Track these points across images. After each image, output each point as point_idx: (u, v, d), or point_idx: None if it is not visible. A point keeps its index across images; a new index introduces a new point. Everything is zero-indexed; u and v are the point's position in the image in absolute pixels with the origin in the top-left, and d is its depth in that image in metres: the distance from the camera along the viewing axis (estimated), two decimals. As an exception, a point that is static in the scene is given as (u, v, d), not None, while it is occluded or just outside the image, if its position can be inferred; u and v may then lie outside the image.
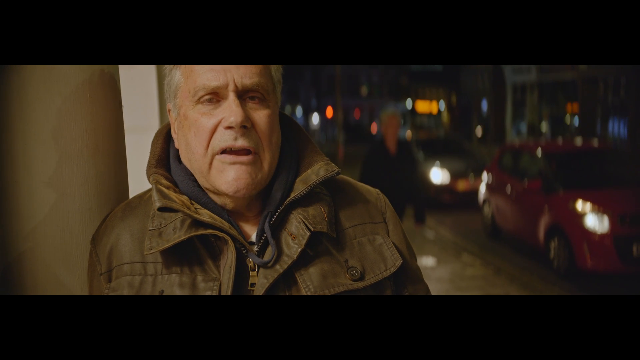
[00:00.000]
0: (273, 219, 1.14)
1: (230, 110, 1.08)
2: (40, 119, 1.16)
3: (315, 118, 54.05)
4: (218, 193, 1.14)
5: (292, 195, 1.15)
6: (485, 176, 10.28)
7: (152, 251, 1.09)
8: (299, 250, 1.11)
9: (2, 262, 1.17)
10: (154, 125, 2.50)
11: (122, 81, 1.37)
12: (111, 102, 1.28)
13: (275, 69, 1.18)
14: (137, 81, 2.37)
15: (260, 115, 1.12)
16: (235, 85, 1.09)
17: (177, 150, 1.21)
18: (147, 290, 1.09)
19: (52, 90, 1.16)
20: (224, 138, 1.09)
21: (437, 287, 7.06)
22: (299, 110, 61.41)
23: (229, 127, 1.08)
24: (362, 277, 1.15)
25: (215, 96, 1.10)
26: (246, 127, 1.09)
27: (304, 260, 1.12)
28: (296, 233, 1.13)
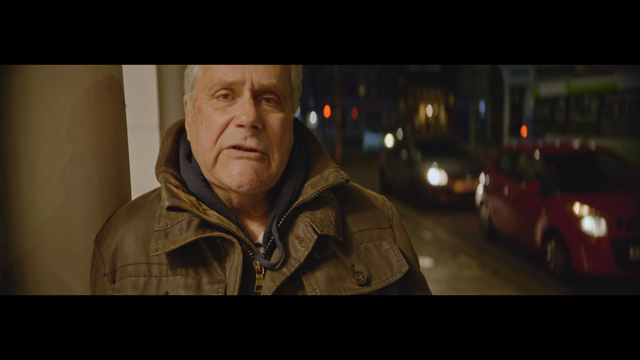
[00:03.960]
0: (281, 222, 1.13)
1: (244, 109, 1.08)
2: (43, 118, 1.15)
3: (312, 117, 54.15)
4: (223, 187, 1.13)
5: (301, 198, 1.15)
6: (482, 178, 10.30)
7: (158, 253, 1.08)
8: (306, 253, 1.10)
9: (4, 262, 1.16)
10: (153, 124, 2.50)
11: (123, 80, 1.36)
12: (115, 101, 1.27)
13: (296, 75, 1.18)
14: (136, 79, 2.37)
15: (273, 118, 1.11)
16: (252, 84, 1.09)
17: (187, 148, 1.20)
18: (152, 292, 1.09)
19: (56, 90, 1.15)
20: (235, 136, 1.09)
21: (434, 288, 7.04)
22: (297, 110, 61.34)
23: (240, 126, 1.08)
24: (368, 283, 1.14)
25: (230, 92, 1.10)
26: (257, 128, 1.09)
27: (310, 264, 1.12)
28: (303, 236, 1.12)
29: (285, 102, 1.14)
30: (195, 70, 1.15)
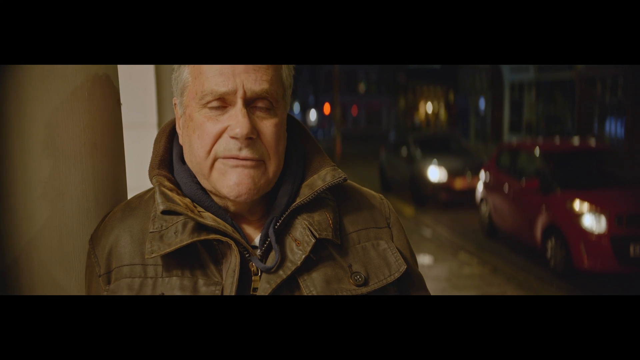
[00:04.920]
0: (278, 224, 1.12)
1: (237, 121, 1.05)
2: (37, 117, 1.14)
3: (312, 115, 54.11)
4: (219, 195, 1.12)
5: (298, 200, 1.13)
6: (482, 175, 10.29)
7: (153, 255, 1.07)
8: (303, 256, 1.09)
9: (-2, 264, 1.15)
10: (152, 122, 2.49)
11: (121, 78, 1.35)
12: (109, 100, 1.25)
13: (287, 74, 1.15)
14: (135, 78, 2.36)
15: (267, 125, 1.09)
16: (244, 92, 1.06)
17: (181, 150, 1.18)
18: (147, 293, 1.08)
19: (50, 89, 1.14)
20: (229, 147, 1.06)
21: (434, 285, 7.06)
22: (296, 107, 61.45)
23: (234, 137, 1.06)
24: (366, 283, 1.13)
25: (222, 102, 1.07)
26: (252, 138, 1.07)
27: (307, 265, 1.11)
28: (301, 239, 1.11)
29: (278, 105, 1.11)
30: (184, 75, 1.12)
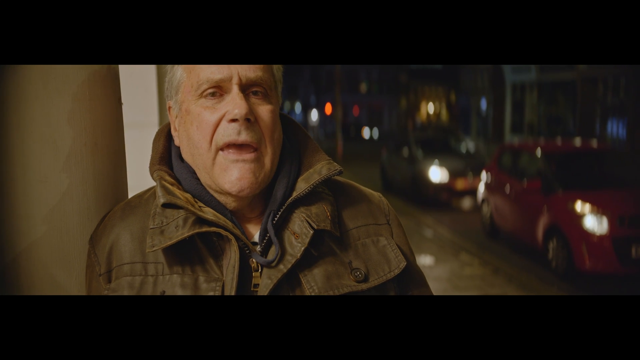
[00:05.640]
0: (276, 218, 1.13)
1: (235, 103, 1.08)
2: (37, 117, 1.14)
3: (314, 115, 54.11)
4: (220, 192, 1.13)
5: (295, 194, 1.14)
6: (484, 175, 10.28)
7: (154, 249, 1.07)
8: (303, 249, 1.10)
9: (-2, 263, 1.15)
10: (154, 121, 2.49)
11: (122, 77, 1.35)
12: (111, 99, 1.26)
13: (277, 68, 1.18)
14: (136, 77, 2.36)
15: (264, 110, 1.12)
16: (240, 79, 1.09)
17: (179, 150, 1.19)
18: (148, 291, 1.08)
19: (51, 88, 1.14)
20: (227, 132, 1.08)
21: (435, 286, 7.06)
22: (297, 107, 61.49)
23: (233, 120, 1.08)
24: (366, 279, 1.14)
25: (218, 90, 1.10)
26: (250, 120, 1.09)
27: (307, 260, 1.11)
28: (299, 232, 1.12)
29: (271, 94, 1.15)
30: (178, 74, 1.15)
